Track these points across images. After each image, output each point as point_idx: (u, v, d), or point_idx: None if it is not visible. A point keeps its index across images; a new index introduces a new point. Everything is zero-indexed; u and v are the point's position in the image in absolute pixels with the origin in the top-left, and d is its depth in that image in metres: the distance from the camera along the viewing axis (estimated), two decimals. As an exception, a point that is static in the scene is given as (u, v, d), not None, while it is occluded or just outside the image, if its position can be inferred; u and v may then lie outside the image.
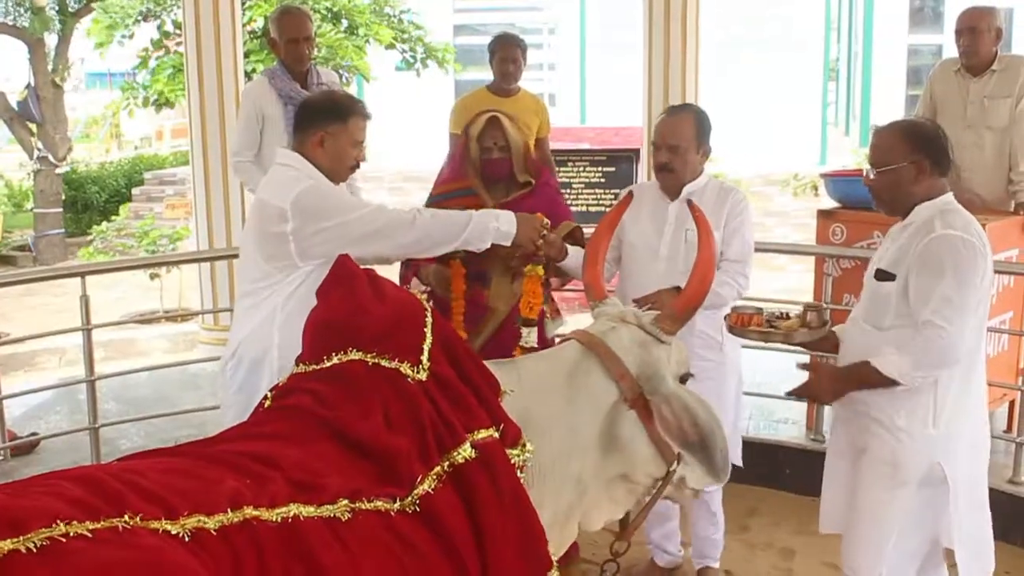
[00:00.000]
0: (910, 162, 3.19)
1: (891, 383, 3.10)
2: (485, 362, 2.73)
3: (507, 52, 6.16)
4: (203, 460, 2.17)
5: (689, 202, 3.49)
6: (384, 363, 2.41)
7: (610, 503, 2.81)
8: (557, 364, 2.77)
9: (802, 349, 3.69)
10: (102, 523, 1.79)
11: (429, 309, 2.60)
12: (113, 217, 14.63)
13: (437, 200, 4.11)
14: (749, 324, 3.50)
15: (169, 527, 1.86)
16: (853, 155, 17.96)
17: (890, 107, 18.79)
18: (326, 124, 3.50)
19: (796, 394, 3.37)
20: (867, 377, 3.15)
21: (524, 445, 2.52)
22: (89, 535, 1.76)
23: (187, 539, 1.86)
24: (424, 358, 2.45)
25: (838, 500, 3.45)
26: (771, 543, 4.88)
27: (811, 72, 18.34)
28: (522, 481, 2.46)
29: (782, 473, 5.36)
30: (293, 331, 2.80)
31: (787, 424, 5.71)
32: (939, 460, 3.18)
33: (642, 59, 7.27)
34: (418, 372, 2.43)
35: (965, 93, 5.62)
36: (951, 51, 5.91)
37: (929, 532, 3.28)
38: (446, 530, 2.23)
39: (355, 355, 2.42)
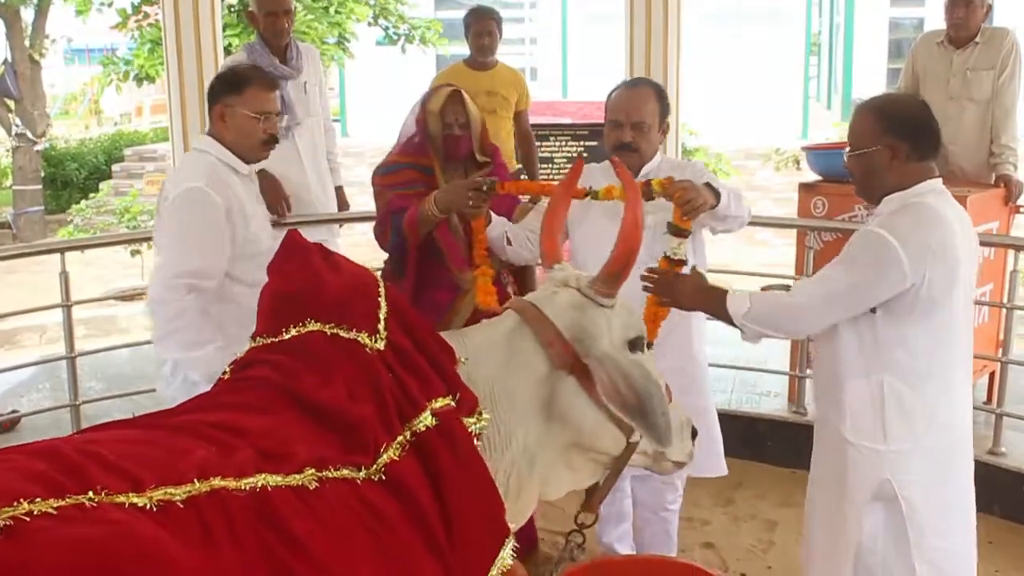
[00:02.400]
0: (884, 146, 2.90)
1: (730, 321, 3.00)
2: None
3: (482, 25, 6.14)
4: (166, 430, 2.13)
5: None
6: (342, 333, 2.37)
7: (569, 472, 2.73)
8: (496, 333, 2.71)
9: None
10: (67, 500, 1.74)
11: (381, 281, 2.57)
12: (92, 194, 14.54)
13: (387, 171, 3.93)
14: None
15: (136, 500, 1.81)
16: (835, 128, 18.00)
17: (872, 80, 18.86)
18: (223, 96, 3.53)
19: (650, 285, 3.20)
20: (717, 304, 3.04)
21: (480, 413, 2.50)
22: (54, 512, 1.70)
23: (155, 510, 1.81)
24: (380, 327, 2.42)
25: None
26: (754, 515, 4.91)
27: (793, 46, 18.35)
28: (479, 449, 2.45)
29: (765, 446, 5.39)
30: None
31: (769, 397, 5.74)
32: (888, 476, 2.95)
33: (624, 33, 7.24)
34: (376, 342, 2.39)
35: (948, 65, 5.63)
36: (933, 24, 5.94)
37: (893, 550, 3.02)
38: (412, 498, 2.20)
39: (313, 326, 2.39)
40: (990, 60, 5.54)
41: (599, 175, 3.71)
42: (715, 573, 3.22)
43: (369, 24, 13.50)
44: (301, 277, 2.52)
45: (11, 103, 15.24)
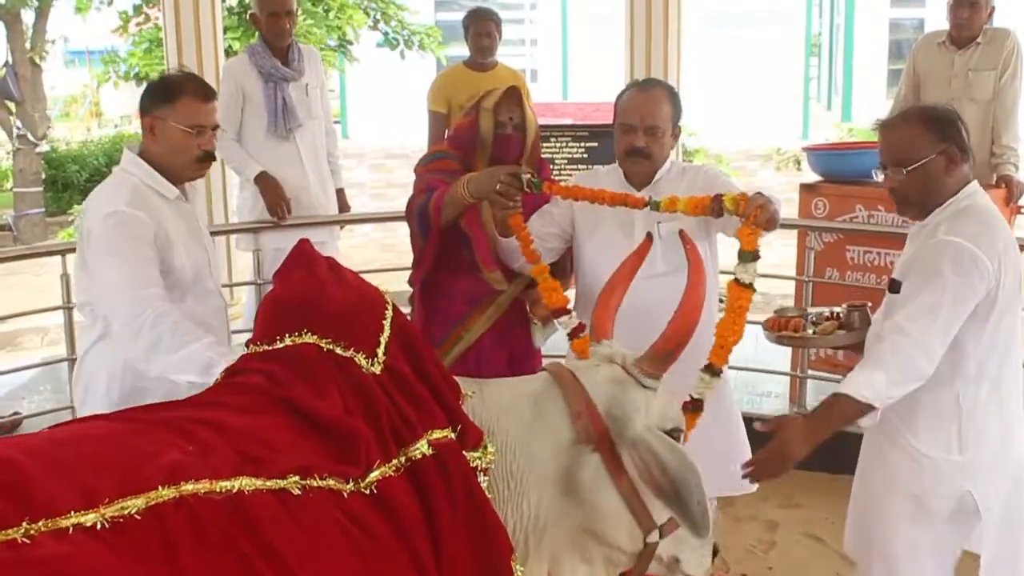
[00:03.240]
0: (939, 153, 2.84)
1: (868, 409, 2.74)
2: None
3: (481, 27, 6.15)
4: (147, 425, 2.05)
5: (681, 233, 3.02)
6: (339, 351, 2.28)
7: (584, 565, 2.56)
8: (524, 389, 2.60)
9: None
10: None
11: (390, 303, 2.48)
12: (93, 196, 14.48)
13: (433, 158, 3.80)
14: (786, 328, 3.23)
15: (85, 519, 1.70)
16: (835, 129, 18.00)
17: (872, 81, 18.87)
18: (154, 107, 3.24)
19: (756, 472, 2.85)
20: (841, 412, 2.77)
21: (486, 447, 2.39)
22: None
23: (107, 528, 1.70)
24: (380, 351, 2.32)
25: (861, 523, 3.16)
26: (755, 516, 4.91)
27: (793, 46, 18.34)
28: (484, 483, 2.34)
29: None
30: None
31: (771, 398, 5.74)
32: (969, 488, 2.87)
33: (624, 34, 7.26)
34: (372, 365, 2.29)
35: (949, 65, 5.64)
36: (933, 25, 5.95)
37: (951, 555, 3.00)
38: (401, 516, 2.10)
39: (309, 338, 2.30)
40: (991, 61, 5.55)
41: (605, 179, 3.57)
42: (715, 573, 3.21)
43: (369, 28, 13.51)
44: (305, 287, 2.43)
45: (12, 105, 15.21)
